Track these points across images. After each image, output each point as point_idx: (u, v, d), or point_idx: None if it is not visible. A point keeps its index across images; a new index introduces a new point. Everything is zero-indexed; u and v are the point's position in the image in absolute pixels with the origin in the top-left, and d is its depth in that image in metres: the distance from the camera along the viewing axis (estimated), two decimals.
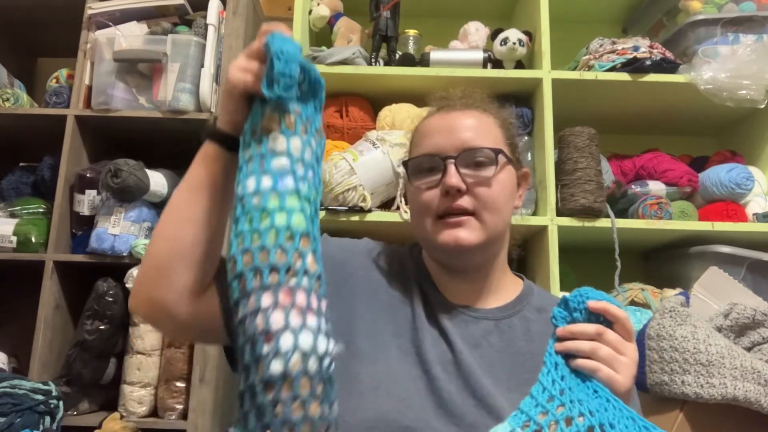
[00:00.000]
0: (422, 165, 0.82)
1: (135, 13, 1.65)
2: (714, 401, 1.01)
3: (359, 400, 0.71)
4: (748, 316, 1.12)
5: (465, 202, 0.78)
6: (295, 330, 0.55)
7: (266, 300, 0.56)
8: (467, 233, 0.77)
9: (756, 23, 1.60)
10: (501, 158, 0.80)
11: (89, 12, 1.64)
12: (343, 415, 0.67)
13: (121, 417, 1.41)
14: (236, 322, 0.58)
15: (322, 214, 1.45)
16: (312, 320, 0.57)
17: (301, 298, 0.57)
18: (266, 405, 0.54)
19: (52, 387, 1.30)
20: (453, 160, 0.78)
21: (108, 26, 1.63)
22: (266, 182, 0.60)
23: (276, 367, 0.54)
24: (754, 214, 1.54)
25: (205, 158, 0.70)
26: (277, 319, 0.55)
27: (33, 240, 1.54)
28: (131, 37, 1.61)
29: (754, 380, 1.01)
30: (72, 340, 1.52)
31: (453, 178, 0.77)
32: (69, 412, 1.43)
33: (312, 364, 0.55)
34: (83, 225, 1.58)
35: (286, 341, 0.55)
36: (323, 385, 0.56)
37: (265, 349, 0.55)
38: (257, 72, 0.63)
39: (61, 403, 1.28)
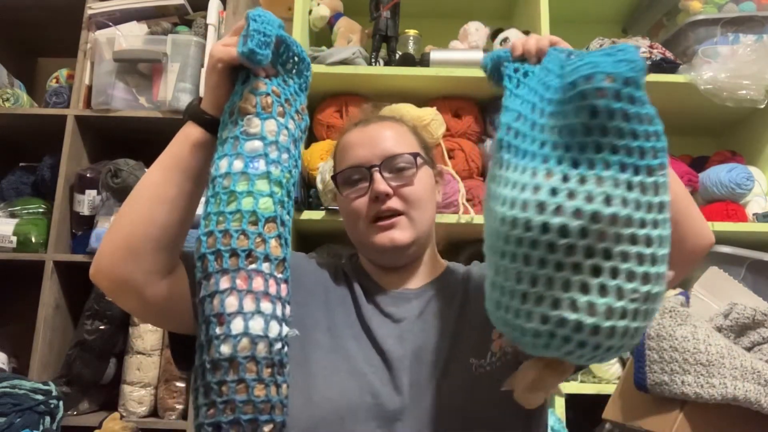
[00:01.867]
0: (350, 176, 0.88)
1: (135, 13, 1.65)
2: (714, 401, 1.01)
3: (324, 381, 0.76)
4: (748, 316, 1.12)
5: (393, 203, 0.84)
6: (246, 315, 0.57)
7: (223, 283, 0.58)
8: (400, 233, 0.84)
9: (756, 23, 1.60)
10: (419, 160, 0.88)
11: (89, 12, 1.64)
12: (310, 395, 0.75)
13: (121, 417, 1.41)
14: (197, 302, 0.60)
15: (321, 213, 1.45)
16: (266, 305, 0.59)
17: (258, 283, 0.59)
18: (212, 384, 0.57)
19: (52, 387, 1.30)
20: (377, 168, 0.85)
21: (108, 26, 1.63)
22: (237, 165, 0.61)
23: (224, 349, 0.57)
24: (754, 214, 1.54)
25: (185, 138, 0.72)
26: (230, 303, 0.58)
27: (33, 240, 1.54)
28: (131, 37, 1.61)
29: (754, 380, 1.01)
30: (72, 340, 1.52)
31: (380, 184, 0.84)
32: (69, 412, 1.43)
33: (261, 349, 0.57)
34: (83, 225, 1.58)
35: (236, 325, 0.57)
36: (272, 369, 0.59)
37: (217, 331, 0.57)
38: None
39: (61, 403, 1.29)
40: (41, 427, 1.22)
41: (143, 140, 1.69)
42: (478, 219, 1.42)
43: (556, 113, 0.58)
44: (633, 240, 0.53)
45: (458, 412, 0.75)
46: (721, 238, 1.46)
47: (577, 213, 0.53)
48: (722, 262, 1.38)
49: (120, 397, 1.49)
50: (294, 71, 0.71)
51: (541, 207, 0.54)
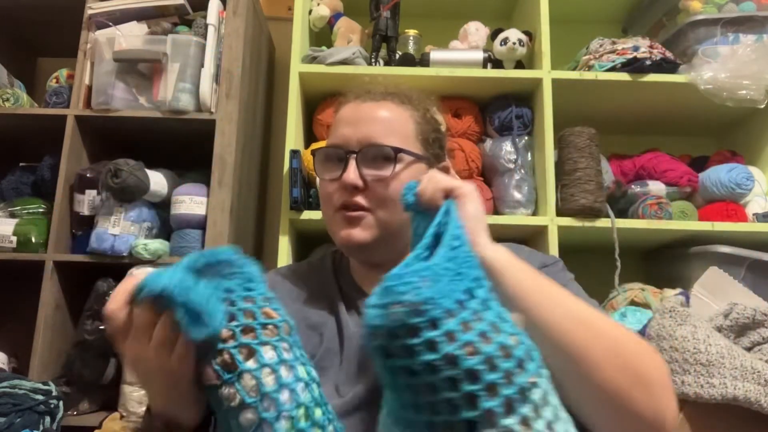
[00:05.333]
0: (328, 156, 0.81)
1: (135, 13, 1.65)
2: (714, 401, 1.01)
3: None
4: (748, 316, 1.12)
5: (361, 199, 0.77)
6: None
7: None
8: (359, 231, 0.77)
9: (756, 23, 1.60)
10: (402, 156, 0.78)
11: (89, 12, 1.64)
12: None
13: (121, 417, 1.41)
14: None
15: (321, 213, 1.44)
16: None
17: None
18: None
19: (52, 387, 1.30)
20: (355, 155, 0.77)
21: (108, 26, 1.63)
22: None
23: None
24: (754, 214, 1.54)
25: None
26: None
27: (33, 240, 1.54)
28: (131, 37, 1.61)
29: (754, 380, 1.01)
30: (72, 340, 1.52)
31: (351, 174, 0.76)
32: (69, 412, 1.43)
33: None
34: (83, 225, 1.58)
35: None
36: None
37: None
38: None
39: (61, 403, 1.29)
40: (41, 427, 1.22)
41: (143, 140, 1.69)
42: None
43: None
44: None
45: None
46: (721, 238, 1.47)
47: None
48: (722, 262, 1.38)
49: (120, 397, 1.49)
50: (230, 277, 0.58)
51: None
